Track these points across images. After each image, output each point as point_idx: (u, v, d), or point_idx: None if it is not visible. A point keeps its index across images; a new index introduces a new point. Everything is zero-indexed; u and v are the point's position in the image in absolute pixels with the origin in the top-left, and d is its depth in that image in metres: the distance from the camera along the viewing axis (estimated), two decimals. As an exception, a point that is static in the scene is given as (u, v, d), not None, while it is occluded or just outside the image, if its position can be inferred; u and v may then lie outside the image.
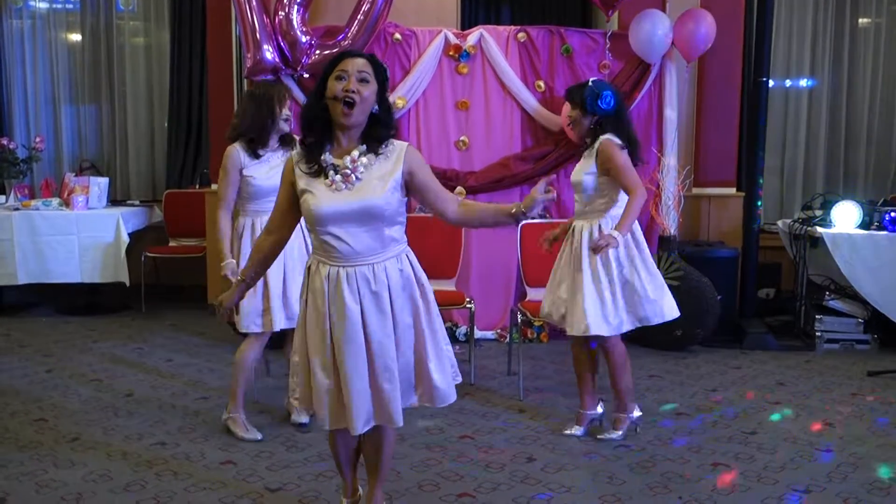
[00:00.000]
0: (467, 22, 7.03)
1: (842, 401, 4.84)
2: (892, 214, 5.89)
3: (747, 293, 6.26)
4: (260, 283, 3.92)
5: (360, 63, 2.71)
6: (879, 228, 5.92)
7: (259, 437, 4.10)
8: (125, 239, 6.68)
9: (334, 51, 5.65)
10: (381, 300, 2.71)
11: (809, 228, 6.10)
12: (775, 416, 4.54)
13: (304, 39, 5.61)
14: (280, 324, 4.05)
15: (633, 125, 4.13)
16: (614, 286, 3.96)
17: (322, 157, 2.71)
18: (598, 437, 4.13)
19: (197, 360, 5.60)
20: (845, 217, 6.00)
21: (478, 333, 5.84)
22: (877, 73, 7.55)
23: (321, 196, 2.67)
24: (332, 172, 2.69)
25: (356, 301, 2.69)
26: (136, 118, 8.19)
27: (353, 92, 2.66)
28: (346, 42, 5.66)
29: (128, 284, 6.72)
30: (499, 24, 6.91)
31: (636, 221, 3.99)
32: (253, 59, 5.53)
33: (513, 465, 3.84)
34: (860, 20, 7.56)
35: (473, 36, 6.02)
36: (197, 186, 7.65)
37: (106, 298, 7.16)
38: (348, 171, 2.68)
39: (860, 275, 5.81)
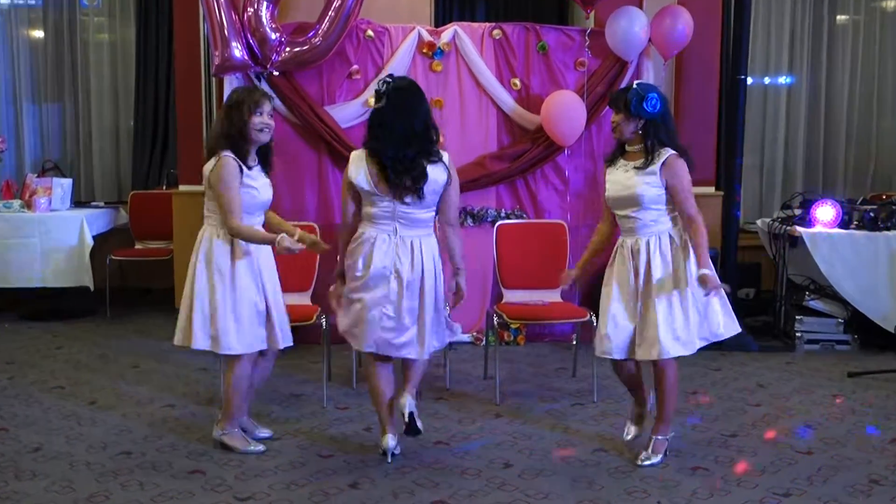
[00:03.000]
0: (441, 19, 7.01)
1: (822, 402, 4.87)
2: (872, 213, 5.95)
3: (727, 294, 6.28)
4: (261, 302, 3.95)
5: None
6: (859, 227, 5.97)
7: (262, 449, 4.03)
8: (89, 242, 6.60)
9: (304, 47, 5.63)
10: None
11: (789, 228, 6.14)
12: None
13: (273, 36, 5.57)
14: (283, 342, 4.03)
15: (677, 131, 3.91)
16: (686, 300, 3.77)
17: None
18: (639, 462, 3.89)
19: (164, 366, 5.55)
20: (825, 216, 6.05)
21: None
22: (855, 70, 7.63)
23: None
24: None
25: None
26: (101, 117, 8.11)
27: None
28: (317, 39, 5.63)
29: (92, 289, 6.65)
30: (473, 20, 6.91)
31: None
32: (221, 56, 5.49)
33: (489, 472, 3.82)
34: (839, 17, 7.65)
35: (447, 33, 6.01)
36: (164, 187, 7.59)
37: (69, 303, 7.06)
38: None
39: (840, 274, 5.86)
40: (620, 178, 3.84)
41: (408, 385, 3.97)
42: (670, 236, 3.81)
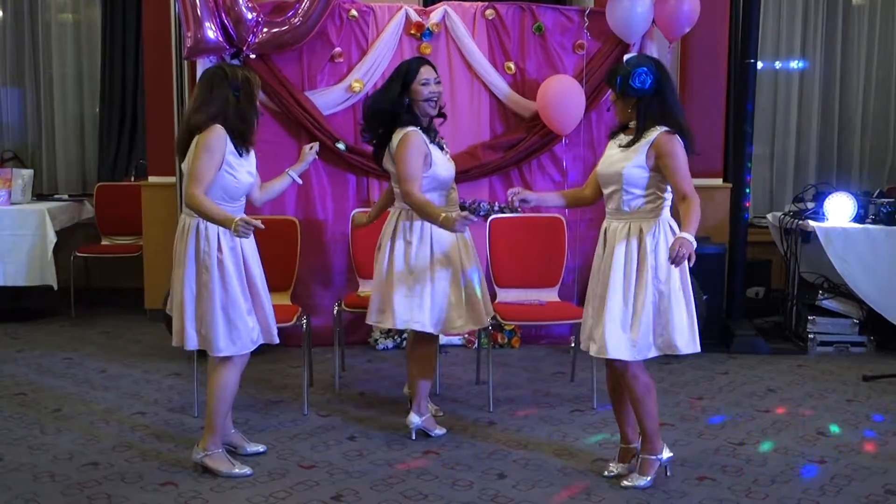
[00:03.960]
0: (430, -3, 7.02)
1: (836, 408, 4.91)
2: (889, 207, 5.99)
3: (735, 293, 6.32)
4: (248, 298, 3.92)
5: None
6: (876, 222, 6.01)
7: (249, 472, 3.91)
8: (52, 237, 6.58)
9: (283, 28, 5.63)
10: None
11: (801, 222, 6.18)
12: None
13: (249, 16, 5.57)
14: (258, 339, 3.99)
15: (681, 109, 3.79)
16: (644, 301, 3.66)
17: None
18: (623, 483, 3.80)
19: (133, 370, 5.55)
20: (839, 210, 6.08)
21: (443, 339, 5.80)
22: (872, 54, 7.67)
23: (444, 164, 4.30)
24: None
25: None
26: (64, 103, 8.08)
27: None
28: (297, 19, 5.63)
29: (55, 287, 6.63)
30: (465, -1, 6.92)
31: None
32: (193, 37, 5.48)
33: (482, 483, 3.85)
34: (854, -3, 7.69)
35: (437, 13, 6.01)
36: (132, 179, 7.57)
37: (31, 303, 7.05)
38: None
39: (855, 272, 5.89)
40: (611, 153, 3.81)
41: (415, 399, 4.40)
42: (642, 228, 3.68)
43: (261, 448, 4.16)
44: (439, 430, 4.43)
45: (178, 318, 3.91)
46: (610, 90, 3.83)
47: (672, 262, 3.50)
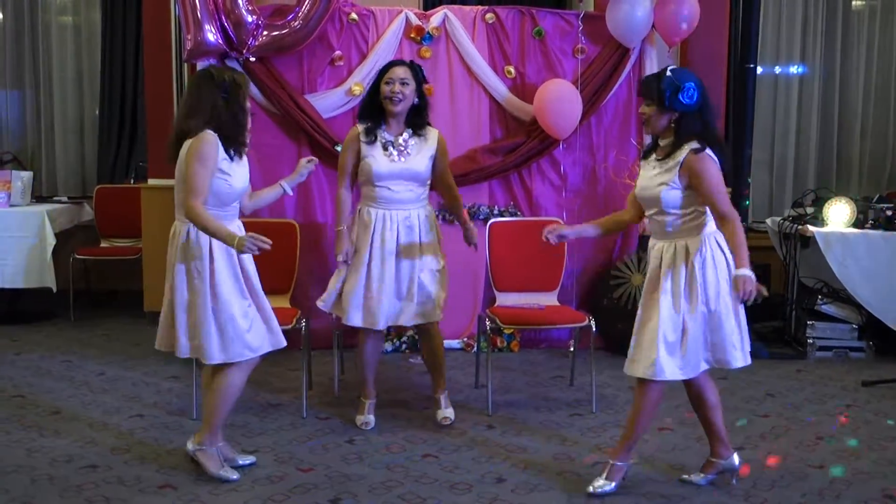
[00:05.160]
0: (430, 1, 7.03)
1: (835, 413, 4.91)
2: (889, 212, 5.99)
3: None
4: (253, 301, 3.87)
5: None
6: (875, 227, 6.01)
7: (236, 477, 3.88)
8: (51, 239, 6.59)
9: (283, 31, 5.64)
10: (413, 232, 4.47)
11: (800, 227, 6.18)
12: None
13: (250, 19, 5.57)
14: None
15: (717, 127, 3.71)
16: (695, 322, 3.60)
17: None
18: (589, 489, 3.74)
19: (131, 373, 5.54)
20: (838, 215, 6.09)
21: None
22: (871, 59, 7.68)
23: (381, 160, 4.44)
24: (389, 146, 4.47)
25: (394, 233, 4.44)
26: (64, 106, 8.10)
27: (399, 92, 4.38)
28: (297, 22, 5.64)
29: (55, 290, 6.65)
30: (465, 3, 6.92)
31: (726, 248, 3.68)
32: (193, 40, 5.48)
33: (481, 487, 3.84)
34: (854, 2, 7.70)
35: (437, 16, 6.02)
36: (132, 181, 7.59)
37: (30, 305, 7.06)
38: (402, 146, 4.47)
39: (854, 277, 5.90)
40: (647, 175, 3.74)
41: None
42: (688, 248, 3.62)
43: (250, 459, 4.07)
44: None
45: (167, 325, 3.85)
46: (645, 104, 3.71)
47: (742, 303, 3.50)
